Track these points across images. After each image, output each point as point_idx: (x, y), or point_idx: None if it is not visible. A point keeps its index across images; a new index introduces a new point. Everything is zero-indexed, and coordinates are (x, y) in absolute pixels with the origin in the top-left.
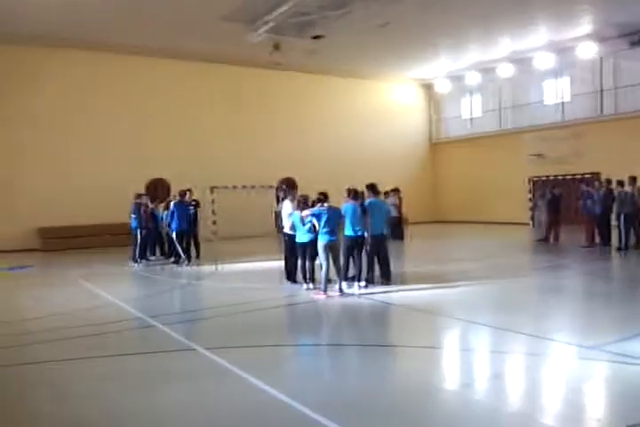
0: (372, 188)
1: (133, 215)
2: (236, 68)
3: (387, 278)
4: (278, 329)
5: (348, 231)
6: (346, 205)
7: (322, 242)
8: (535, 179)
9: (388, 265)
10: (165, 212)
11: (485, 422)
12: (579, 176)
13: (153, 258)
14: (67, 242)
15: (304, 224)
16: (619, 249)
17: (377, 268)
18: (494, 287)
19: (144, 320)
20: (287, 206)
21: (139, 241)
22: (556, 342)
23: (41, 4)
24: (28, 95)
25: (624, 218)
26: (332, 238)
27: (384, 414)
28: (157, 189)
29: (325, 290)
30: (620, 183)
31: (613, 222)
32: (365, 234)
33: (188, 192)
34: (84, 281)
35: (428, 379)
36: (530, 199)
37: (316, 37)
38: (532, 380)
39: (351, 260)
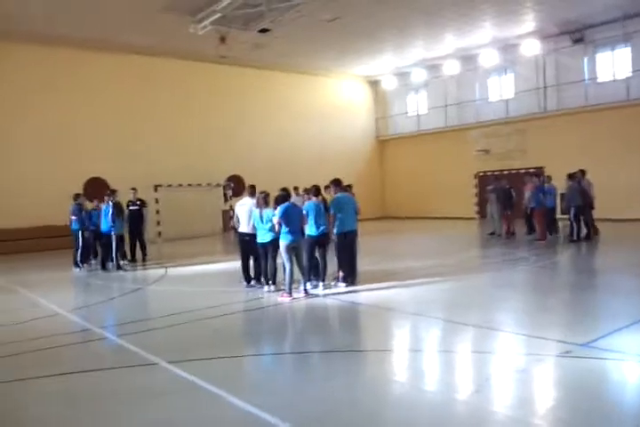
0: (337, 183)
1: (74, 217)
2: (181, 61)
3: (354, 277)
4: (244, 337)
5: (311, 230)
6: (308, 203)
7: (284, 242)
8: (481, 174)
9: (354, 264)
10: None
11: None
12: (523, 171)
13: (95, 262)
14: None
15: (264, 222)
16: (571, 241)
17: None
18: (462, 284)
19: (94, 332)
20: (245, 204)
21: (80, 244)
22: (540, 339)
23: None
24: None
25: (575, 210)
26: (295, 238)
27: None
28: (96, 188)
29: (290, 292)
30: (570, 177)
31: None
32: (331, 231)
33: (133, 191)
34: (21, 289)
35: (408, 384)
36: (476, 194)
37: (262, 31)
38: (521, 381)
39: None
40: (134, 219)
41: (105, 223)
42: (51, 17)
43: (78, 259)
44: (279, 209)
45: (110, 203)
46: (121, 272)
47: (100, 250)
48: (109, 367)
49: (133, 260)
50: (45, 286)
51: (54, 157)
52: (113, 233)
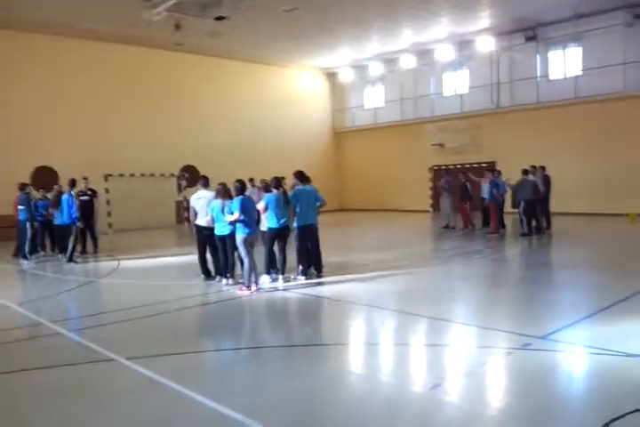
0: (299, 175)
1: (22, 207)
2: (136, 48)
3: (318, 270)
4: (203, 332)
5: (271, 222)
6: (268, 195)
7: (241, 235)
8: (436, 168)
9: (319, 256)
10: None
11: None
12: (476, 165)
13: (43, 253)
14: None
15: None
16: (522, 234)
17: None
18: (418, 276)
19: (46, 326)
20: (203, 198)
21: (28, 235)
22: (502, 331)
23: None
24: None
25: (525, 204)
26: (251, 231)
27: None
28: (44, 178)
29: (249, 285)
30: (525, 172)
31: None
32: (291, 225)
33: (84, 181)
34: None
35: (366, 378)
36: (431, 188)
37: (219, 18)
38: (483, 374)
39: (277, 252)
40: (85, 210)
41: (66, 214)
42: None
43: (27, 250)
44: (236, 202)
45: (72, 193)
46: (72, 264)
47: (48, 241)
48: (66, 364)
49: (84, 252)
50: None
51: (6, 145)
52: (76, 225)
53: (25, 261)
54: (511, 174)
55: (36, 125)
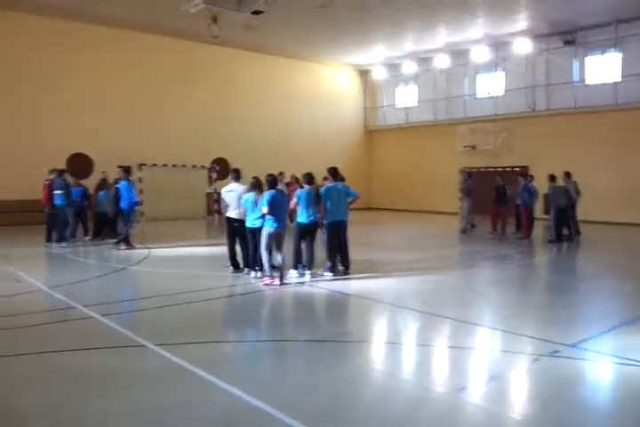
0: (332, 172)
1: (60, 191)
2: (172, 39)
3: (346, 267)
4: (230, 322)
5: (301, 218)
6: (300, 191)
7: (267, 228)
8: (467, 170)
9: (346, 253)
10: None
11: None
12: (508, 169)
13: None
14: None
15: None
16: (550, 241)
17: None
18: (446, 278)
19: (79, 310)
20: (234, 190)
21: (69, 220)
22: (529, 337)
23: None
24: None
25: (556, 211)
26: (280, 226)
27: (359, 420)
28: (79, 165)
29: (271, 275)
30: (552, 178)
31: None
32: (321, 220)
33: (120, 170)
34: (3, 263)
35: (396, 378)
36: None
37: (255, 13)
38: (510, 379)
39: (304, 247)
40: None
41: (124, 200)
42: None
43: (67, 233)
44: (265, 196)
45: (129, 180)
46: (113, 250)
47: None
48: (97, 347)
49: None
50: (28, 261)
51: (37, 131)
52: (134, 209)
53: (62, 244)
54: (542, 180)
55: (73, 113)
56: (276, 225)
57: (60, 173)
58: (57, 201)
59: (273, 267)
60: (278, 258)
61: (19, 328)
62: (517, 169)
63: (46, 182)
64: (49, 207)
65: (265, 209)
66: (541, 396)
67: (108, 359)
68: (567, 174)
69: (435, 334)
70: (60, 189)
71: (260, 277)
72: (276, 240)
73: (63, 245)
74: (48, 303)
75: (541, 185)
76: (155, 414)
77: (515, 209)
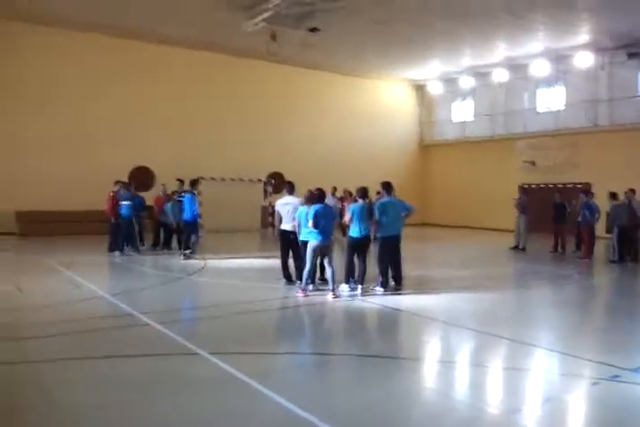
0: (386, 186)
1: (127, 202)
2: (230, 57)
3: (398, 283)
4: (282, 334)
5: (354, 232)
6: (353, 205)
7: (311, 242)
8: (526, 186)
9: (399, 268)
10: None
11: None
12: (570, 185)
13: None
14: (44, 227)
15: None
16: (611, 261)
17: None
18: (502, 297)
19: (136, 317)
20: (289, 203)
21: (136, 229)
22: (588, 361)
23: None
24: (9, 69)
25: (619, 230)
26: (323, 239)
27: None
28: (141, 177)
29: (305, 289)
30: (614, 196)
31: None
32: (372, 235)
33: (179, 183)
34: (65, 270)
35: (441, 396)
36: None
37: (312, 30)
38: (569, 403)
39: (356, 261)
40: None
41: (189, 212)
42: (123, 11)
43: (137, 243)
44: (311, 210)
45: (195, 192)
46: (170, 260)
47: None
48: (152, 354)
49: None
50: (90, 268)
51: (103, 145)
52: (197, 221)
53: (131, 253)
54: (605, 197)
55: (138, 128)
56: (320, 238)
57: (127, 184)
58: (123, 211)
59: (312, 281)
60: (328, 272)
61: (77, 333)
62: (579, 186)
63: (111, 194)
64: (114, 218)
65: (310, 223)
66: (599, 421)
67: (160, 365)
68: (632, 191)
69: (490, 354)
70: (127, 200)
71: (313, 290)
72: (321, 254)
73: (129, 254)
74: (107, 310)
75: (603, 203)
76: (201, 422)
77: (575, 227)
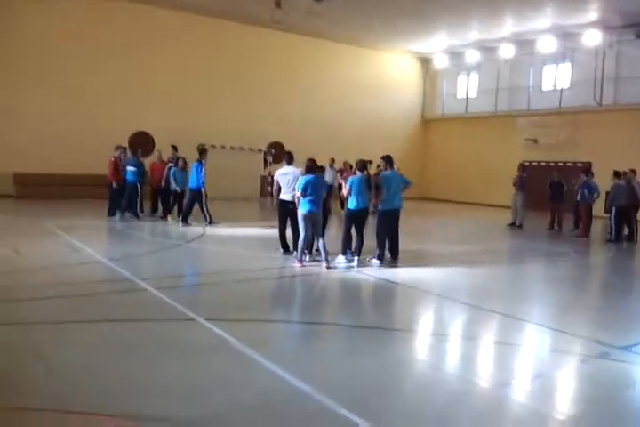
0: (388, 159)
1: (133, 168)
2: (235, 24)
3: (394, 256)
4: (277, 303)
5: (351, 204)
6: (352, 177)
7: (301, 211)
8: (526, 164)
9: (396, 242)
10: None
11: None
12: (570, 164)
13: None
14: (42, 190)
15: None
16: (608, 241)
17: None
18: (497, 272)
19: (134, 282)
20: (289, 173)
21: (139, 195)
22: (579, 337)
23: None
24: (15, 31)
25: (617, 210)
26: (312, 209)
27: (398, 408)
28: (140, 142)
29: (300, 259)
30: (617, 175)
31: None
32: (369, 207)
33: (172, 149)
34: (63, 233)
35: (439, 370)
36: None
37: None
38: (558, 378)
39: (353, 233)
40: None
41: (195, 180)
42: None
43: (138, 209)
44: (300, 181)
45: (202, 161)
46: (176, 226)
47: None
48: (149, 319)
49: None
50: (90, 233)
51: (112, 109)
52: (202, 190)
53: (129, 218)
54: (606, 177)
55: (139, 93)
56: (308, 207)
57: (134, 150)
58: (129, 177)
59: (309, 251)
60: (319, 243)
61: (75, 296)
62: (580, 165)
63: (112, 159)
64: (115, 183)
65: (298, 193)
66: (587, 397)
67: (157, 330)
68: (632, 172)
69: (481, 328)
70: (134, 166)
71: (310, 261)
72: (311, 224)
73: (129, 219)
74: (105, 274)
75: (604, 182)
76: (197, 388)
77: (573, 206)
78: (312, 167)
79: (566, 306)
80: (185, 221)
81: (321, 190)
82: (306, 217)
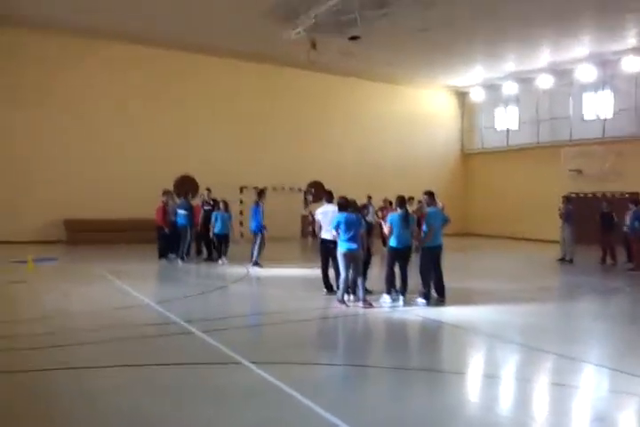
0: (431, 195)
1: (184, 211)
2: (270, 66)
3: (441, 295)
4: (323, 344)
5: (393, 242)
6: (392, 215)
7: (340, 250)
8: (573, 195)
9: (441, 280)
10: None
11: None
12: (618, 195)
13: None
14: (93, 235)
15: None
16: None
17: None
18: (548, 310)
19: (181, 325)
20: (327, 211)
21: (189, 238)
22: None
23: None
24: (57, 78)
25: None
26: (351, 247)
27: None
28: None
29: (343, 299)
30: None
31: None
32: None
33: (207, 192)
34: (112, 277)
35: (493, 413)
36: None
37: (352, 38)
38: (618, 421)
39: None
40: (208, 219)
41: (254, 222)
42: (163, 22)
43: (184, 253)
44: (334, 219)
45: (260, 203)
46: (209, 269)
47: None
48: (196, 363)
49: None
50: (136, 277)
51: (159, 155)
52: (262, 232)
53: (181, 261)
54: None
55: (182, 137)
56: (346, 246)
57: (186, 194)
58: (180, 220)
59: (353, 291)
60: (358, 282)
61: (120, 340)
62: (627, 195)
63: (161, 204)
64: (166, 227)
65: (333, 232)
66: None
67: (203, 374)
68: None
69: (536, 369)
70: (185, 209)
71: (354, 301)
72: (352, 263)
73: (178, 262)
74: (152, 317)
75: None
76: None
77: (624, 238)
78: (343, 204)
79: (623, 345)
80: (257, 263)
81: (357, 228)
82: (345, 256)
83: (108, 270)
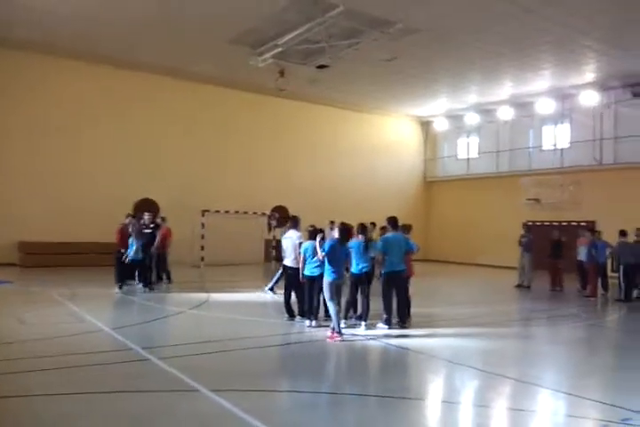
0: (392, 222)
1: (137, 244)
2: (237, 91)
3: (403, 321)
4: (284, 371)
5: (354, 268)
6: (352, 241)
7: (328, 279)
8: (530, 223)
9: (404, 306)
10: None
11: None
12: (574, 223)
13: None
14: (47, 258)
15: (313, 256)
16: (618, 300)
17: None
18: (506, 335)
19: (137, 352)
20: (290, 237)
21: (152, 264)
22: (597, 402)
23: (51, 11)
24: (20, 102)
25: (625, 269)
26: (338, 276)
27: None
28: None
29: (339, 331)
30: (623, 233)
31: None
32: (372, 271)
33: (148, 214)
34: (68, 302)
35: None
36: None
37: (320, 67)
38: None
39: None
40: (150, 242)
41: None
42: (133, 44)
43: (151, 278)
44: (327, 244)
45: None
46: (167, 294)
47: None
48: (152, 390)
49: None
50: (92, 302)
51: (115, 179)
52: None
53: (144, 288)
54: (611, 236)
55: (143, 160)
56: (334, 276)
57: (152, 217)
58: (135, 257)
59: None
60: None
61: (75, 367)
62: (584, 224)
63: (120, 226)
64: (123, 249)
65: (320, 255)
66: None
67: (159, 402)
68: (639, 231)
69: (495, 394)
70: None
71: (315, 327)
72: (337, 291)
73: (145, 289)
74: (108, 344)
75: (609, 240)
76: None
77: (577, 265)
78: (314, 233)
79: (580, 369)
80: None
81: (342, 256)
82: (332, 285)
83: (64, 295)
